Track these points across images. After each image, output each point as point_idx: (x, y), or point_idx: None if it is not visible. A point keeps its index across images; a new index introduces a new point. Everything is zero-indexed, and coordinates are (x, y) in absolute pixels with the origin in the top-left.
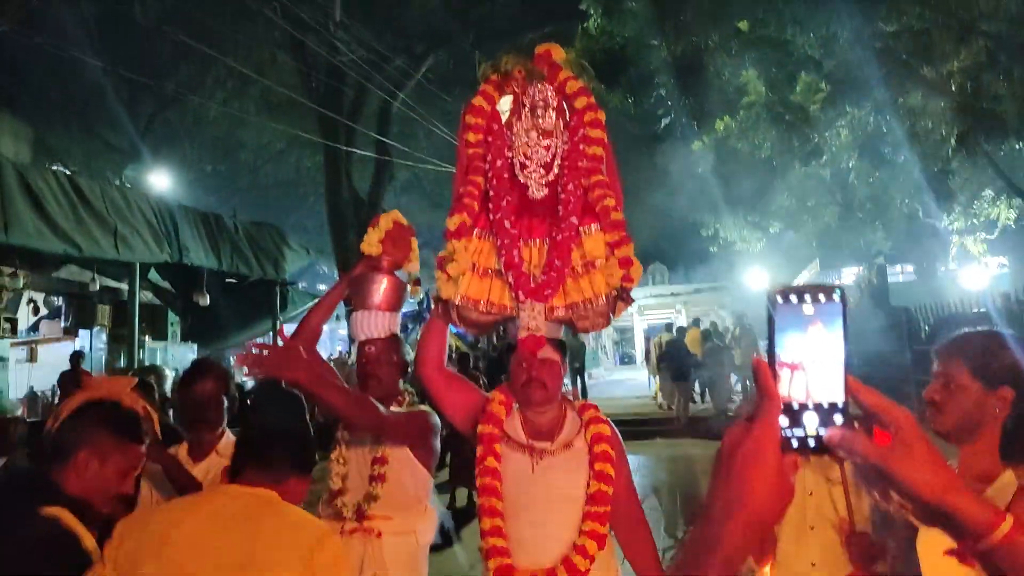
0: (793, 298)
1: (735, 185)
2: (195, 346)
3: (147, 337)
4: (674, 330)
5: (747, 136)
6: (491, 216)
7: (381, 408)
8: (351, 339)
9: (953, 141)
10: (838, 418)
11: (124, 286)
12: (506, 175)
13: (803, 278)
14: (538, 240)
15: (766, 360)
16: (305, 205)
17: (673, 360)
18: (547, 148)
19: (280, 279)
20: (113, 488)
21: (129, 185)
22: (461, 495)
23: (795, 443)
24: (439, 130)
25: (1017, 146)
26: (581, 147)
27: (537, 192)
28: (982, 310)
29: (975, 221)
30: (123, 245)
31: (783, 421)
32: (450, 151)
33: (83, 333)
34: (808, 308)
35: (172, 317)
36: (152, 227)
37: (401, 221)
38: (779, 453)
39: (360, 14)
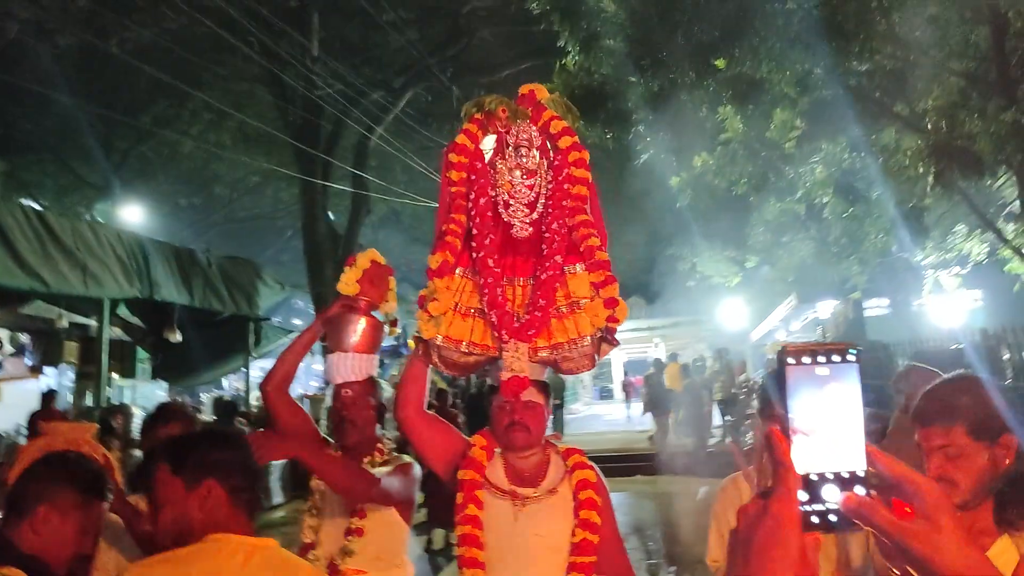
0: (806, 358)
1: (712, 220)
2: (165, 384)
3: (115, 375)
4: (660, 365)
5: (724, 172)
6: (474, 255)
7: (373, 472)
8: (326, 381)
9: (930, 179)
10: (859, 490)
11: (93, 322)
12: (489, 213)
13: (780, 313)
14: (522, 279)
15: (779, 427)
16: (281, 239)
17: (651, 395)
18: (531, 187)
19: (254, 315)
20: (71, 547)
21: (100, 220)
22: (438, 536)
23: (816, 520)
24: (417, 164)
25: (988, 181)
26: (565, 186)
27: (521, 231)
28: (960, 346)
29: (948, 256)
30: (92, 281)
31: (802, 496)
32: (428, 185)
33: (49, 371)
34: (822, 369)
35: (141, 354)
36: (122, 262)
37: (379, 260)
38: (800, 533)
39: (337, 48)
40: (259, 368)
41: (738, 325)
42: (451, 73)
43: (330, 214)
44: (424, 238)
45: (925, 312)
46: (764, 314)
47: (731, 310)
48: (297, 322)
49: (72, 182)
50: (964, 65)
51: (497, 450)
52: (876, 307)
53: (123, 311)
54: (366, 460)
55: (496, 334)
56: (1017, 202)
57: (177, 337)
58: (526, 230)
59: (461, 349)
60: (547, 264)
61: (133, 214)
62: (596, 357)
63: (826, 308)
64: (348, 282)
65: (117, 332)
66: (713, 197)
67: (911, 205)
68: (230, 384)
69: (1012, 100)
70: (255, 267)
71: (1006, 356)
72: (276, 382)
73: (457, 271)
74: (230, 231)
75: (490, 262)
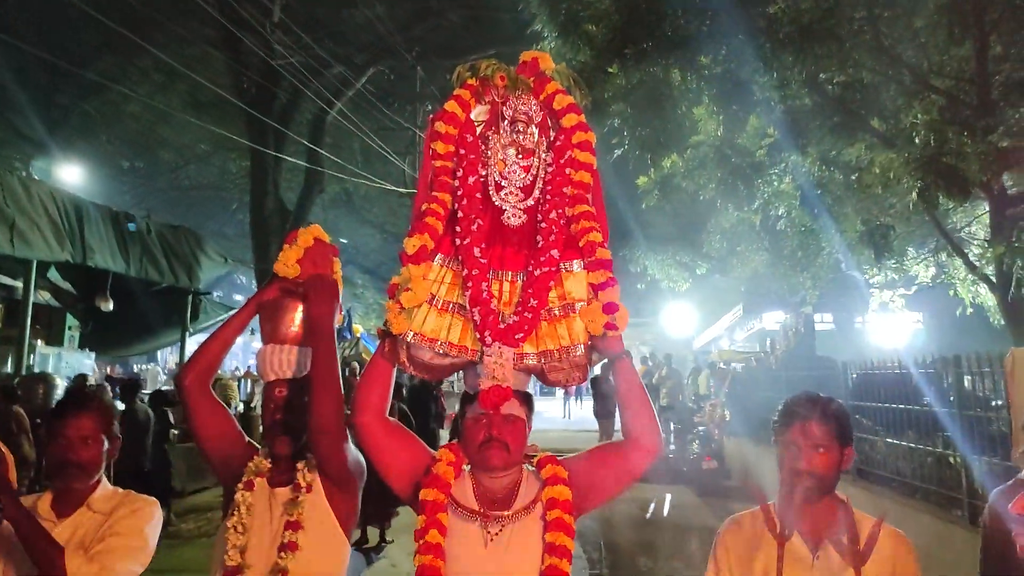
0: None
1: (671, 223)
2: (93, 354)
3: (40, 341)
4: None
5: (693, 175)
6: (458, 241)
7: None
8: (260, 376)
9: (914, 195)
10: None
11: (19, 284)
12: (478, 195)
13: (726, 321)
14: (511, 274)
15: None
16: (226, 212)
17: (597, 397)
18: (527, 168)
19: (193, 288)
20: None
21: (37, 177)
22: (373, 534)
23: None
24: (375, 144)
25: (949, 206)
26: (567, 171)
27: (514, 218)
28: (904, 370)
29: (896, 276)
30: (20, 240)
31: None
32: (384, 167)
33: None
34: None
35: (71, 321)
36: (54, 223)
37: (322, 237)
38: None
39: (301, 17)
40: (195, 343)
41: (683, 331)
42: (416, 53)
43: (280, 189)
44: (375, 221)
45: (867, 331)
46: (710, 322)
47: (677, 316)
48: (238, 298)
49: (10, 136)
50: (944, 84)
51: (466, 467)
52: (821, 323)
53: (53, 275)
54: (300, 467)
55: (477, 335)
56: (971, 227)
57: (109, 306)
58: (519, 217)
59: (435, 349)
60: (541, 258)
61: (72, 174)
62: (589, 368)
63: (772, 320)
64: (288, 263)
65: (45, 296)
66: (677, 200)
67: (877, 223)
68: (164, 358)
69: (995, 122)
70: (198, 238)
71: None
72: (195, 374)
73: (436, 258)
74: (173, 199)
75: (476, 251)
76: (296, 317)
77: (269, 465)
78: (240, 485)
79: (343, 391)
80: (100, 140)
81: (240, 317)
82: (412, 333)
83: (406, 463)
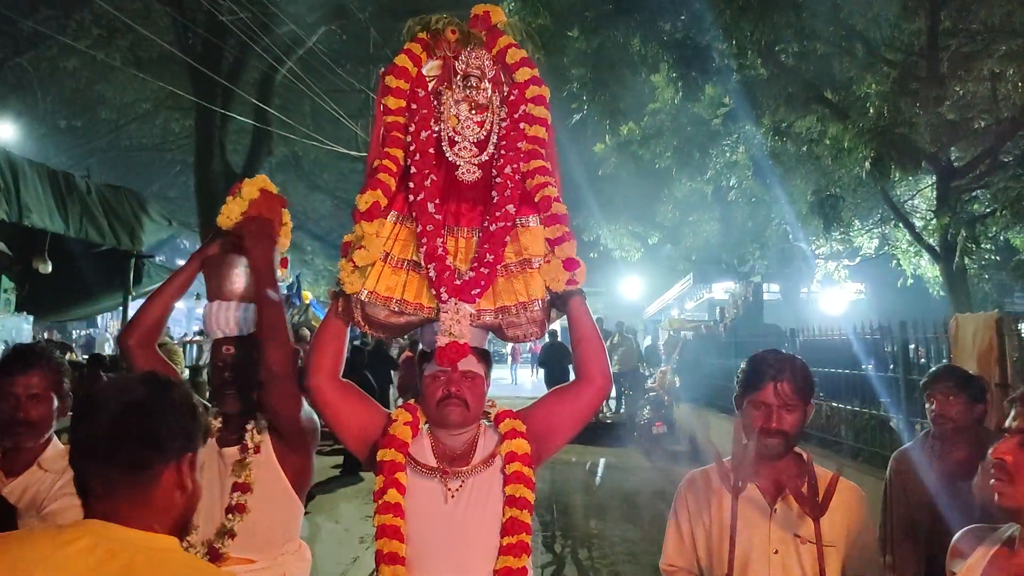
0: None
1: (624, 193)
2: (31, 317)
3: None
4: (555, 336)
5: (649, 144)
6: (411, 197)
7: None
8: (205, 334)
9: (867, 165)
10: None
11: None
12: (432, 151)
13: (676, 291)
14: (466, 230)
15: None
16: (169, 173)
17: (550, 363)
18: (480, 124)
19: (136, 250)
20: None
21: None
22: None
23: None
24: (326, 105)
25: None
26: (521, 126)
27: (468, 174)
28: (844, 336)
29: (840, 248)
30: None
31: None
32: (336, 131)
33: None
34: None
35: (6, 283)
36: None
37: (269, 188)
38: None
39: None
40: (137, 307)
41: (634, 300)
42: (369, 13)
43: (227, 151)
44: (325, 186)
45: (812, 300)
46: (660, 291)
47: (629, 285)
48: (181, 262)
49: None
50: (896, 56)
51: (424, 426)
52: (768, 292)
53: None
54: (248, 428)
55: (433, 292)
56: (914, 199)
57: (47, 268)
58: (474, 173)
59: (391, 307)
60: (497, 214)
61: (5, 132)
62: (546, 324)
63: (721, 289)
64: (231, 215)
65: None
66: (631, 169)
67: (826, 194)
68: (104, 322)
69: (944, 94)
70: (140, 199)
71: (889, 348)
72: (140, 334)
73: (390, 215)
74: (113, 159)
75: (430, 207)
76: (241, 272)
77: (219, 425)
78: None
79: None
80: (35, 97)
81: (183, 274)
82: (367, 292)
83: (361, 424)
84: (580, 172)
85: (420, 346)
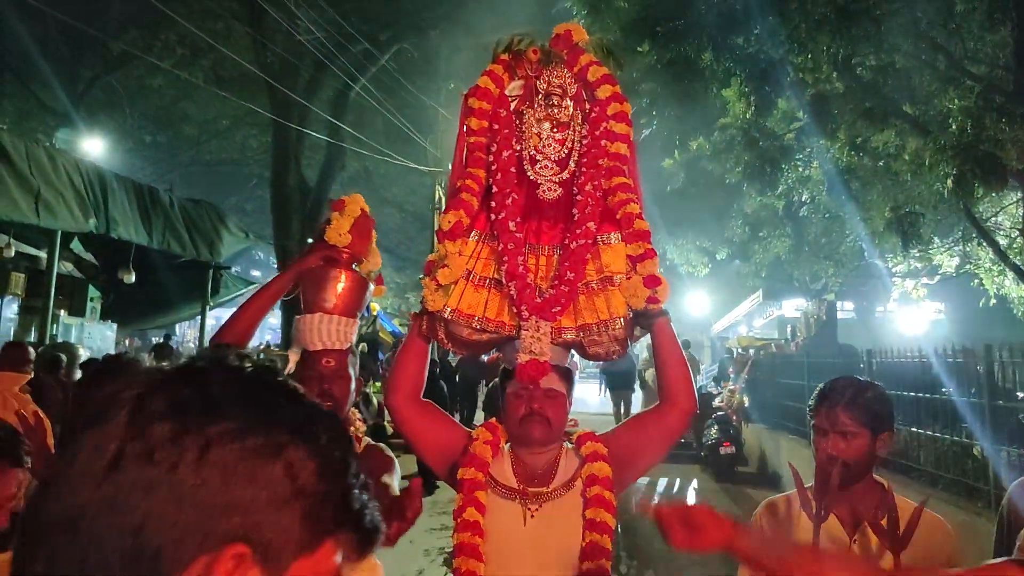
0: None
1: (692, 208)
2: (114, 325)
3: (63, 312)
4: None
5: (720, 158)
6: (493, 216)
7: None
8: (290, 344)
9: (949, 183)
10: None
11: (43, 254)
12: (513, 170)
13: (744, 308)
14: (547, 248)
15: None
16: (246, 187)
17: (614, 370)
18: (561, 142)
19: (215, 261)
20: None
21: (60, 147)
22: None
23: None
24: (398, 121)
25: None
26: (603, 143)
27: (549, 192)
28: (925, 360)
29: (919, 265)
30: (45, 210)
31: None
32: (406, 146)
33: None
34: None
35: (93, 292)
36: (79, 194)
37: (365, 208)
38: None
39: None
40: (214, 317)
41: (700, 316)
42: (441, 31)
43: (301, 166)
44: (395, 199)
45: (888, 320)
46: (728, 308)
47: (695, 301)
48: (256, 273)
49: (33, 107)
50: (979, 70)
51: (505, 444)
52: (842, 311)
53: (76, 246)
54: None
55: (515, 309)
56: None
57: (131, 278)
58: (555, 191)
59: (472, 325)
60: (578, 231)
61: (95, 146)
62: (629, 342)
63: (791, 307)
64: (340, 231)
65: (68, 267)
66: (702, 184)
67: (905, 211)
68: (183, 332)
69: None
70: (219, 213)
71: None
72: (234, 339)
73: (472, 234)
74: (194, 174)
75: (511, 225)
76: (338, 286)
77: None
78: None
79: (360, 368)
80: (123, 113)
81: (279, 284)
82: (449, 310)
83: (440, 443)
84: (648, 186)
85: (502, 364)
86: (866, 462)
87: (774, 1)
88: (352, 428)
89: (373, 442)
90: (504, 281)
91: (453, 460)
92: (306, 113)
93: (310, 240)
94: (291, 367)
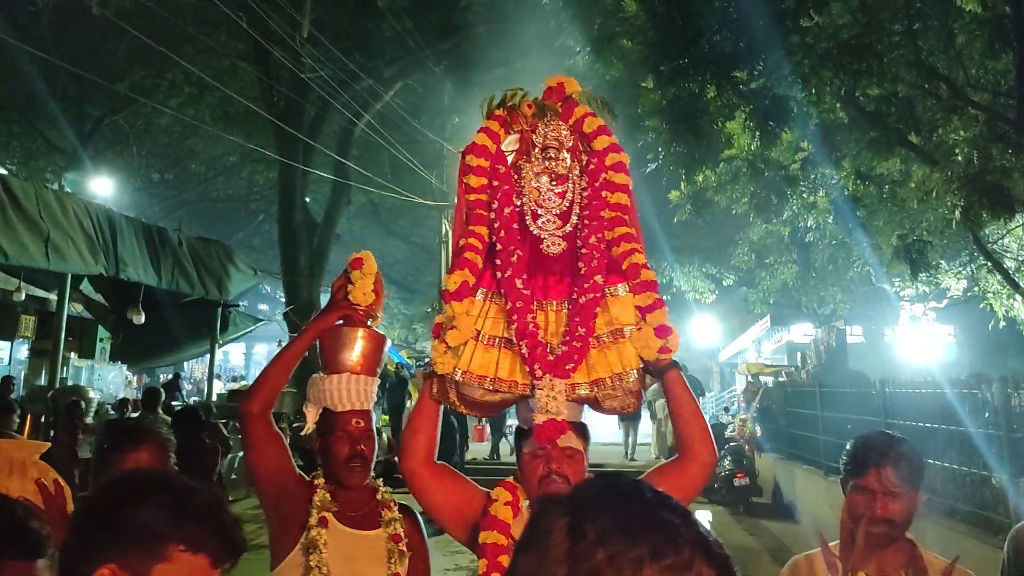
0: None
1: (699, 236)
2: (124, 366)
3: (73, 354)
4: None
5: (725, 190)
6: (498, 274)
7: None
8: (310, 403)
9: (957, 214)
10: None
11: (53, 296)
12: (515, 225)
13: (752, 333)
14: (555, 303)
15: None
16: (252, 223)
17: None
18: (561, 195)
19: (223, 299)
20: None
21: (69, 189)
22: None
23: None
24: (402, 156)
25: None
26: (603, 194)
27: (553, 247)
28: (939, 390)
29: (927, 289)
30: (55, 254)
31: None
32: (411, 179)
33: (2, 344)
34: None
35: (102, 333)
36: (88, 236)
37: (374, 265)
38: None
39: (330, 30)
40: (222, 352)
41: (707, 342)
42: (444, 67)
43: (307, 201)
44: (401, 232)
45: (897, 343)
46: (735, 334)
47: (702, 327)
48: (263, 307)
49: (40, 147)
50: (981, 98)
51: (524, 504)
52: (851, 335)
53: (86, 287)
54: (380, 497)
55: (527, 368)
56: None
57: (141, 319)
58: (559, 245)
59: (485, 386)
60: (585, 285)
61: (103, 186)
62: (643, 393)
63: (799, 332)
64: (365, 290)
65: (78, 308)
66: (709, 213)
67: (912, 239)
68: (190, 369)
69: None
70: (228, 251)
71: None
72: (262, 401)
73: (479, 293)
74: (201, 211)
75: (518, 283)
76: (357, 344)
77: (330, 500)
78: (312, 521)
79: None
80: (130, 152)
81: (300, 344)
82: (460, 371)
83: (458, 506)
84: (653, 215)
85: (517, 424)
86: (909, 521)
87: (777, 37)
88: (379, 493)
89: (403, 505)
90: (515, 340)
91: (473, 523)
92: (312, 149)
93: (314, 273)
94: (310, 425)
